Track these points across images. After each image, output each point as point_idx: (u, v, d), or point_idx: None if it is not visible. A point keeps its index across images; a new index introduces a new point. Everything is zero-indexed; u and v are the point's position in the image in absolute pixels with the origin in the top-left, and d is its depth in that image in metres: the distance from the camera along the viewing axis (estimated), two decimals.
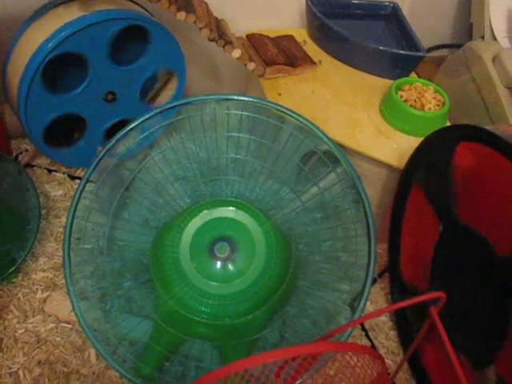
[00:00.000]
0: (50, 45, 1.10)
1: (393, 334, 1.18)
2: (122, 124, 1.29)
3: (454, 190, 0.98)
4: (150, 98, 1.42)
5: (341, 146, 1.04)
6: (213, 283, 0.98)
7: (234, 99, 1.04)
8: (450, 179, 0.99)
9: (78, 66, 1.20)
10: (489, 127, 0.88)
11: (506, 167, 0.84)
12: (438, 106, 1.25)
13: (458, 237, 0.98)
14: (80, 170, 1.38)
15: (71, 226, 0.98)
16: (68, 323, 1.09)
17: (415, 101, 1.24)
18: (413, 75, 1.44)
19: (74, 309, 0.96)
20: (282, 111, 1.02)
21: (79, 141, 1.31)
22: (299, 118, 1.02)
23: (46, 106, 1.19)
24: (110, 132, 1.33)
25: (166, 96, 1.40)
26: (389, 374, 1.02)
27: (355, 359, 0.71)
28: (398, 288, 1.18)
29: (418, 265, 1.10)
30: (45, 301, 1.12)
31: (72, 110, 1.23)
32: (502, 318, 0.85)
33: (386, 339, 1.17)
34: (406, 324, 1.14)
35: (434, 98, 1.25)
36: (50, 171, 1.36)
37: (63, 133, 1.35)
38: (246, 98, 1.03)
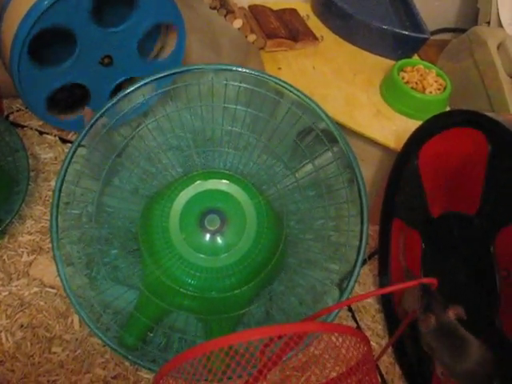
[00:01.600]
0: (29, 22, 1.06)
1: (379, 316, 1.18)
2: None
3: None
4: (156, 54, 1.37)
5: (338, 125, 1.03)
6: (201, 255, 0.97)
7: (233, 70, 1.02)
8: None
9: (66, 36, 1.16)
10: (490, 114, 0.87)
11: None
12: (439, 89, 1.23)
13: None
14: (72, 134, 1.35)
15: (60, 189, 0.97)
16: (53, 288, 1.08)
17: (417, 83, 1.23)
18: (415, 58, 1.42)
19: (59, 274, 0.95)
20: (281, 85, 1.01)
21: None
22: (298, 94, 1.00)
23: (43, 81, 1.16)
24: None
25: (168, 51, 1.34)
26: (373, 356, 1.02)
27: (341, 340, 0.70)
28: (388, 271, 1.17)
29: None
30: (30, 264, 1.10)
31: (70, 79, 1.20)
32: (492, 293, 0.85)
33: (372, 321, 1.17)
34: (393, 307, 1.13)
35: (436, 82, 1.23)
36: (41, 133, 1.33)
37: (68, 104, 1.32)
38: (245, 70, 1.01)
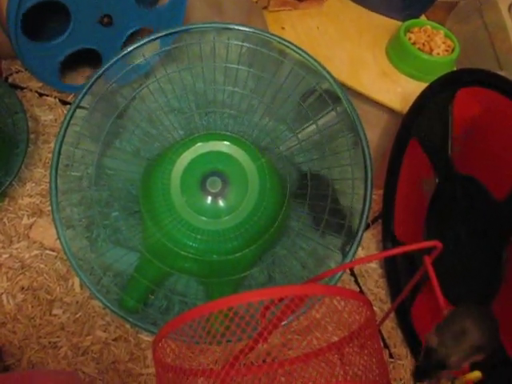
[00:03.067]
0: None
1: (382, 281, 1.17)
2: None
3: (452, 139, 0.96)
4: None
5: (343, 86, 1.00)
6: (202, 218, 0.96)
7: (235, 29, 0.99)
8: (449, 128, 0.96)
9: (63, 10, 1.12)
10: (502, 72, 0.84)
11: None
12: (447, 51, 1.20)
13: (454, 187, 0.96)
14: (72, 96, 1.32)
15: (59, 152, 0.95)
16: (53, 251, 1.07)
17: (424, 44, 1.20)
18: (422, 18, 1.38)
19: (59, 237, 0.94)
20: (285, 45, 0.98)
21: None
22: (302, 53, 0.98)
23: (49, 54, 1.15)
24: None
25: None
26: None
27: (343, 304, 0.69)
28: (391, 236, 1.16)
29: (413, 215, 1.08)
30: (30, 227, 1.09)
31: (76, 47, 1.18)
32: (496, 266, 0.84)
33: (375, 286, 1.16)
34: (396, 272, 1.12)
35: (444, 43, 1.20)
36: (40, 95, 1.31)
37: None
38: (248, 29, 0.99)
